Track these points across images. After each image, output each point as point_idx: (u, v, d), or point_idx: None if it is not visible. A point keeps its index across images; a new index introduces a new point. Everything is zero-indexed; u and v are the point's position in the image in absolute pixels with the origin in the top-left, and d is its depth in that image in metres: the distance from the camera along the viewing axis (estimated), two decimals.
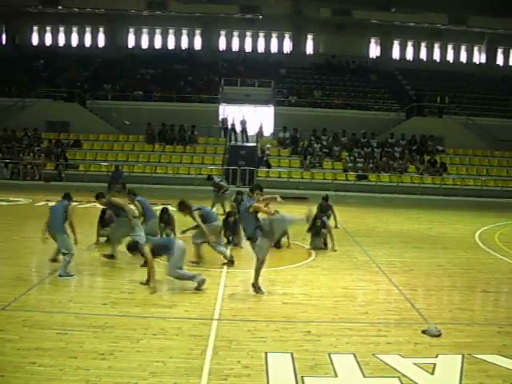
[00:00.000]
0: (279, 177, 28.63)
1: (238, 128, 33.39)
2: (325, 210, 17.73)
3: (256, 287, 10.08)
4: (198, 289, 10.05)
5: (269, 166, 29.09)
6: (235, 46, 39.42)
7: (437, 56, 39.94)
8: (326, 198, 17.42)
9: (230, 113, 34.56)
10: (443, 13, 35.65)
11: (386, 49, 39.34)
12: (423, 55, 39.92)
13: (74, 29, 38.86)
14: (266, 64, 37.66)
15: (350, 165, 29.39)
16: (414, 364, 7.15)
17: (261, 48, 39.45)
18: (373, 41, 39.69)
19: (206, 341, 7.69)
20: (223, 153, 30.42)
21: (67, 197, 11.48)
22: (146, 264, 10.48)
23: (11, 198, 22.20)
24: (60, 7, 35.83)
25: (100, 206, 13.39)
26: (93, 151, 29.95)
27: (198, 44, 39.34)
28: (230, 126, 32.99)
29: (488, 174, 29.90)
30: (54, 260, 11.45)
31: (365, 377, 6.80)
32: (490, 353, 7.57)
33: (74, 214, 11.22)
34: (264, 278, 11.25)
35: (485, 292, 11.39)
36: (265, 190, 27.38)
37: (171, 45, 39.25)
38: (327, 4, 35.70)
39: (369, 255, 13.79)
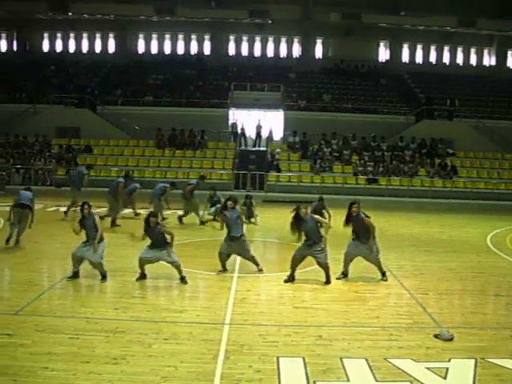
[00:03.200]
0: (289, 181, 28.65)
1: (251, 133, 33.37)
2: (318, 211, 17.85)
3: None
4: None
5: (279, 171, 29.11)
6: (244, 51, 39.47)
7: (446, 59, 39.76)
8: (320, 199, 17.50)
9: (240, 117, 34.59)
10: (452, 16, 35.45)
11: (395, 52, 39.25)
12: (433, 58, 39.74)
13: (84, 35, 39.09)
14: (276, 68, 37.69)
15: (360, 169, 29.33)
16: (427, 368, 7.10)
17: (270, 52, 39.45)
18: (382, 44, 39.64)
19: (217, 345, 7.69)
20: (233, 157, 30.48)
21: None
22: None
23: None
24: (70, 14, 35.98)
25: None
26: (103, 156, 30.08)
27: (207, 49, 39.42)
28: (239, 131, 33.01)
29: (499, 177, 29.72)
30: None
31: (377, 381, 6.77)
32: (503, 357, 7.50)
33: None
34: (275, 283, 11.27)
35: (497, 296, 11.31)
36: (275, 194, 27.47)
37: (180, 50, 39.36)
38: (336, 8, 35.62)
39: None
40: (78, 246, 10.88)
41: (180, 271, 10.95)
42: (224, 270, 11.83)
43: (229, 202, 11.84)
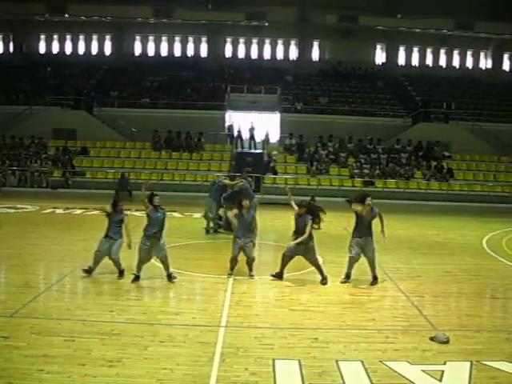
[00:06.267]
0: (285, 183, 28.59)
1: (246, 135, 33.38)
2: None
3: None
4: None
5: (275, 173, 29.11)
6: (241, 53, 39.52)
7: (443, 62, 39.90)
8: (312, 199, 17.46)
9: (237, 120, 34.60)
10: (449, 18, 35.63)
11: (392, 55, 39.35)
12: (429, 61, 39.86)
13: (81, 37, 39.06)
14: (272, 71, 37.74)
15: (356, 171, 29.36)
16: (422, 371, 7.11)
17: (267, 55, 39.52)
18: (379, 47, 39.70)
19: (213, 348, 7.68)
20: (230, 160, 30.48)
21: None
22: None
23: (18, 206, 22.27)
24: (67, 15, 36.08)
25: None
26: (100, 158, 30.05)
27: (204, 51, 39.45)
28: (236, 133, 33.01)
29: (495, 180, 29.81)
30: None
31: None
32: (499, 359, 7.51)
33: None
34: (271, 285, 11.26)
35: (493, 298, 11.35)
36: (271, 196, 27.50)
37: (177, 52, 39.38)
38: (333, 11, 35.73)
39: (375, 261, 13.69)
40: (102, 243, 10.99)
41: (168, 268, 10.99)
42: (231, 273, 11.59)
43: (245, 202, 11.40)
